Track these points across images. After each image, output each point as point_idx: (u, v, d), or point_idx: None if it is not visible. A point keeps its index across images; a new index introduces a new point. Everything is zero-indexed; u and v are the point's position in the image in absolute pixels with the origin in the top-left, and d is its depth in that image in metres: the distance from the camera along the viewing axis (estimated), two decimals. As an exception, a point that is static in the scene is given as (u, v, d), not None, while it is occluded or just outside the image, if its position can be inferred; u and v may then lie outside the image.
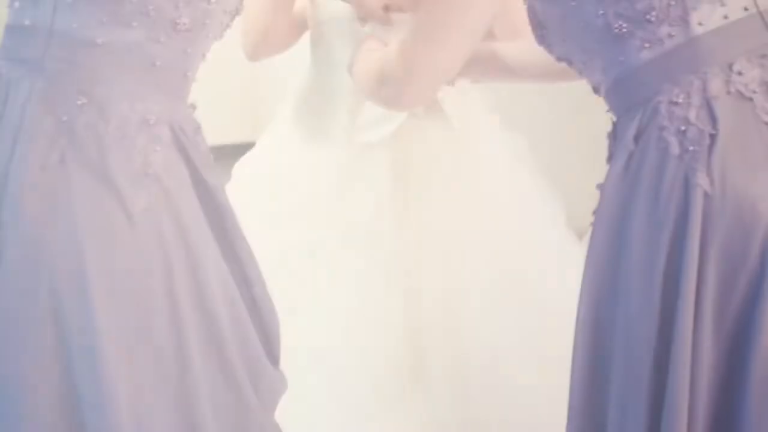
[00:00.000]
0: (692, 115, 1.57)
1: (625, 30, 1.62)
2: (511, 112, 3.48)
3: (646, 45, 1.62)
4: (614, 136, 1.72)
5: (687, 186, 1.53)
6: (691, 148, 1.54)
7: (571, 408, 1.71)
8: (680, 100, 1.58)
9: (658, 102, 1.60)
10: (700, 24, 1.60)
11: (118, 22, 1.59)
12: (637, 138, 1.62)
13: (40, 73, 1.60)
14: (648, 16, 1.60)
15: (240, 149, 2.86)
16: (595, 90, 1.79)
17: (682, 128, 1.56)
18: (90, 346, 1.53)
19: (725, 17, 1.61)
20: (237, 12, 1.77)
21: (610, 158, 1.71)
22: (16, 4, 1.66)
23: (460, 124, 2.54)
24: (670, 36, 1.61)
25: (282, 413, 1.85)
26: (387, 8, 2.33)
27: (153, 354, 1.61)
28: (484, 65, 2.26)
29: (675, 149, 1.56)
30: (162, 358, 1.62)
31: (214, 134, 2.07)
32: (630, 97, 1.65)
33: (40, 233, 1.55)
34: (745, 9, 1.63)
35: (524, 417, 2.47)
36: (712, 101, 1.57)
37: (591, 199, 1.72)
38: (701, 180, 1.52)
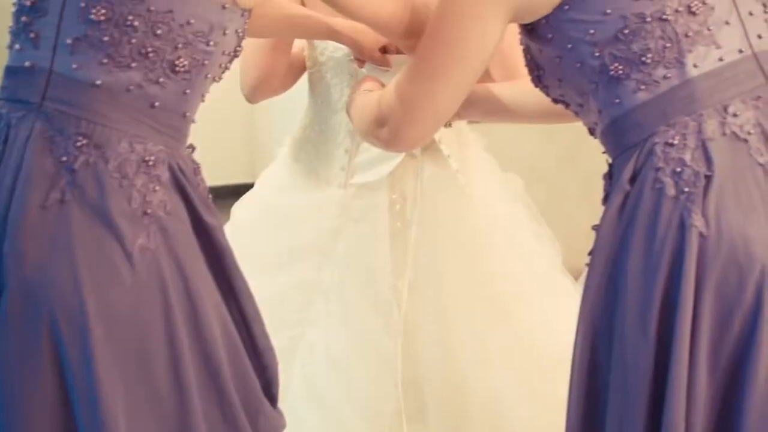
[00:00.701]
0: (688, 156, 1.57)
1: (621, 71, 1.64)
2: (507, 152, 3.49)
3: (642, 87, 1.63)
4: (610, 177, 1.72)
5: (682, 227, 1.54)
6: (686, 189, 1.55)
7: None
8: (676, 142, 1.59)
9: (654, 143, 1.61)
10: (695, 66, 1.62)
11: (117, 64, 1.61)
12: (632, 179, 1.62)
13: (40, 114, 1.62)
14: (644, 58, 1.62)
15: (238, 190, 2.88)
16: (591, 131, 1.80)
17: (678, 169, 1.57)
18: (90, 386, 1.54)
19: (720, 59, 1.63)
20: (236, 54, 1.79)
21: (606, 199, 1.71)
22: (16, 46, 1.69)
23: (458, 164, 2.54)
24: (665, 78, 1.62)
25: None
26: (384, 50, 2.35)
27: (152, 393, 1.61)
28: (480, 106, 2.26)
29: (670, 190, 1.56)
30: (161, 397, 1.62)
31: (213, 175, 2.08)
32: (626, 139, 1.66)
33: (40, 273, 1.56)
34: (740, 51, 1.65)
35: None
36: (708, 143, 1.58)
37: (587, 239, 1.72)
38: (696, 221, 1.53)
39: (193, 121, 1.76)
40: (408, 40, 2.08)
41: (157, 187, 1.63)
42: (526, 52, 1.82)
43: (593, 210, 1.81)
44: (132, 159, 1.62)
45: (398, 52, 2.34)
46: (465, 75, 1.79)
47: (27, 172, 1.58)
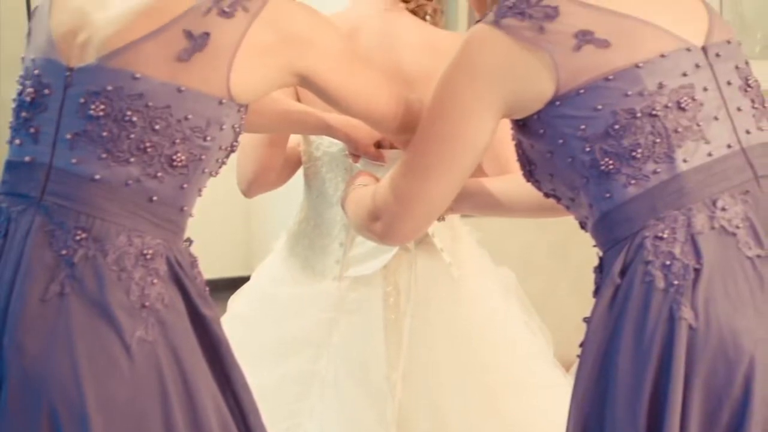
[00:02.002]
0: (677, 250, 1.59)
1: (611, 166, 1.65)
2: (500, 246, 3.51)
3: (632, 181, 1.65)
4: (601, 270, 1.73)
5: (672, 319, 1.54)
6: (675, 282, 1.56)
7: None
8: (665, 235, 1.60)
9: (644, 237, 1.62)
10: (684, 161, 1.63)
11: (115, 158, 1.63)
12: (623, 272, 1.63)
13: (40, 208, 1.63)
14: (634, 153, 1.63)
15: (235, 282, 2.88)
16: (582, 225, 1.81)
17: (667, 263, 1.58)
18: None
19: (709, 154, 1.65)
20: (232, 148, 1.81)
21: (597, 292, 1.72)
22: (17, 141, 1.72)
23: (451, 257, 2.55)
24: (655, 172, 1.64)
25: None
26: (379, 145, 2.35)
27: None
28: (473, 200, 2.27)
29: (660, 283, 1.57)
30: None
31: (210, 268, 2.09)
32: (616, 232, 1.67)
33: (39, 364, 1.56)
34: (729, 146, 1.67)
35: None
36: (697, 236, 1.59)
37: (578, 331, 1.72)
38: (686, 313, 1.54)
39: (190, 215, 1.77)
40: (402, 135, 2.10)
41: (155, 280, 1.64)
42: (518, 147, 1.84)
43: (584, 302, 1.81)
44: (130, 252, 1.63)
45: (392, 146, 2.34)
46: (458, 170, 1.81)
47: (27, 265, 1.59)
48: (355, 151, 2.37)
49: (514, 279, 2.75)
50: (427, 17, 2.51)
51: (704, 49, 1.71)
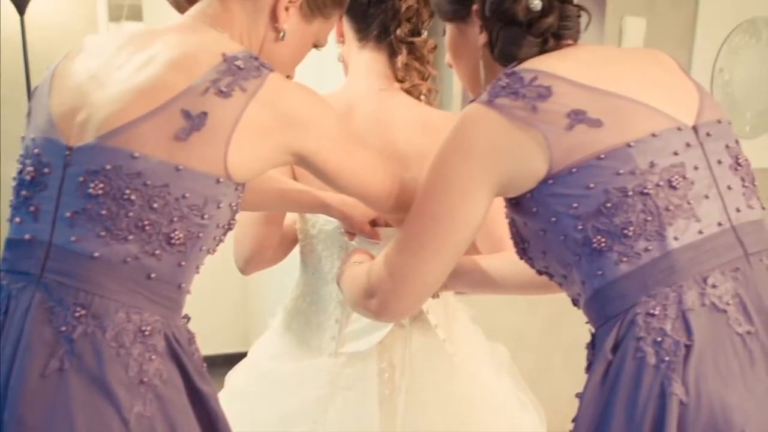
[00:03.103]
0: (668, 326, 1.59)
1: (603, 244, 1.66)
2: (493, 322, 3.52)
3: (624, 259, 1.65)
4: (593, 346, 1.74)
5: (663, 394, 1.54)
6: (666, 358, 1.56)
7: None
8: (656, 312, 1.60)
9: (635, 314, 1.62)
10: (675, 239, 1.64)
11: (114, 236, 1.63)
12: (615, 348, 1.63)
13: (40, 285, 1.64)
14: (626, 231, 1.64)
15: (232, 359, 2.88)
16: (575, 302, 1.82)
17: (659, 339, 1.58)
18: None
19: (700, 232, 1.65)
20: (230, 226, 1.81)
21: (589, 367, 1.72)
22: (17, 219, 1.72)
23: (445, 333, 2.55)
24: (646, 250, 1.64)
25: None
26: (374, 223, 2.37)
27: None
28: (467, 278, 2.28)
29: (651, 359, 1.57)
30: None
31: (208, 344, 2.10)
32: (608, 309, 1.67)
33: None
34: (719, 224, 1.67)
35: None
36: (688, 313, 1.60)
37: (571, 406, 1.72)
38: (677, 389, 1.54)
39: (188, 292, 1.78)
40: (397, 214, 2.11)
41: (154, 356, 1.65)
42: (512, 225, 1.85)
43: (577, 378, 1.81)
44: (129, 329, 1.63)
45: (387, 225, 2.37)
46: (452, 249, 1.82)
47: (27, 341, 1.60)
48: (351, 229, 2.38)
49: (507, 355, 2.76)
50: (422, 97, 2.53)
51: (695, 128, 1.72)
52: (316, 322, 2.53)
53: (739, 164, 1.76)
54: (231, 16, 1.88)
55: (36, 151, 1.74)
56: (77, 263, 1.64)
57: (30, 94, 1.94)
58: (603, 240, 1.66)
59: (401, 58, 2.49)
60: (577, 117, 1.66)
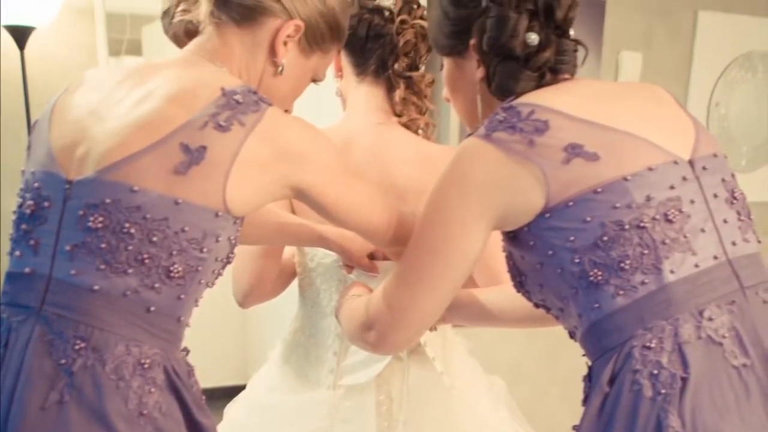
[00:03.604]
0: (664, 359, 1.59)
1: (600, 277, 1.66)
2: (490, 355, 3.52)
3: (620, 292, 1.65)
4: (590, 379, 1.73)
5: (659, 427, 1.54)
6: (663, 390, 1.56)
7: None
8: (653, 345, 1.60)
9: (632, 346, 1.62)
10: (672, 272, 1.64)
11: (114, 270, 1.63)
12: (611, 381, 1.63)
13: (40, 318, 1.64)
14: (622, 264, 1.64)
15: (231, 391, 2.87)
16: (571, 335, 1.82)
17: (655, 372, 1.58)
18: None
19: (696, 265, 1.65)
20: (228, 260, 1.81)
21: (586, 400, 1.72)
22: (17, 252, 1.73)
23: (442, 366, 2.55)
24: (643, 283, 1.64)
25: None
26: (372, 256, 2.38)
27: None
28: (464, 311, 2.28)
29: (648, 392, 1.57)
30: None
31: (207, 377, 2.09)
32: (605, 342, 1.68)
33: None
34: (715, 258, 1.67)
35: None
36: (684, 346, 1.60)
37: (568, 439, 1.72)
38: (673, 421, 1.53)
39: (187, 325, 1.78)
40: (395, 247, 2.11)
41: (153, 389, 1.65)
42: (509, 258, 1.86)
43: (574, 410, 1.81)
44: (128, 361, 1.63)
45: (385, 258, 2.37)
46: (449, 282, 1.82)
47: (27, 374, 1.60)
48: (349, 263, 2.39)
49: (504, 388, 2.75)
50: (420, 131, 2.54)
51: (691, 162, 1.72)
52: (314, 355, 2.53)
53: (734, 198, 1.76)
54: (230, 51, 1.89)
55: (36, 184, 1.74)
56: (77, 296, 1.64)
57: (30, 127, 1.94)
58: (600, 273, 1.66)
59: (399, 93, 2.50)
60: (574, 151, 1.67)
